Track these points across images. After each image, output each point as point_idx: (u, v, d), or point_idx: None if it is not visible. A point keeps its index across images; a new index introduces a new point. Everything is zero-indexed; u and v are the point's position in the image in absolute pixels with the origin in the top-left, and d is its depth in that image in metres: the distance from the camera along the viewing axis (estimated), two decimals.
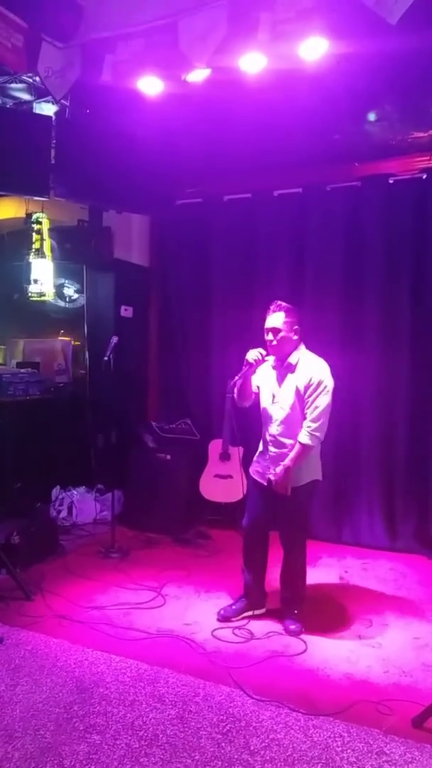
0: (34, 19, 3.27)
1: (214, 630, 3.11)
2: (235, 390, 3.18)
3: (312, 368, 2.99)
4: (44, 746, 2.21)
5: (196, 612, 3.35)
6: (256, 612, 3.26)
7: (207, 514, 4.75)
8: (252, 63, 3.03)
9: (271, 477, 3.05)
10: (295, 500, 3.03)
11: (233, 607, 3.27)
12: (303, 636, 3.06)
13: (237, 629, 3.13)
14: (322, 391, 2.95)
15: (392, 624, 3.25)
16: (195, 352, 5.16)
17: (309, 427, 2.94)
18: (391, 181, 4.27)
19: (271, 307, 3.05)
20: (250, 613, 3.25)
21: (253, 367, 3.03)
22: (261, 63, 3.03)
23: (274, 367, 3.11)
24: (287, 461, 2.96)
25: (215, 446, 4.68)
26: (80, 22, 3.34)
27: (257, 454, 3.27)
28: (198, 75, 3.20)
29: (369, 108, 3.71)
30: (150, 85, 3.33)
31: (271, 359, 3.09)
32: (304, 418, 2.98)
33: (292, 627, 3.10)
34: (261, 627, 3.16)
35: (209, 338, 5.07)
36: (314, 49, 2.87)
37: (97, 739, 2.25)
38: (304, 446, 2.94)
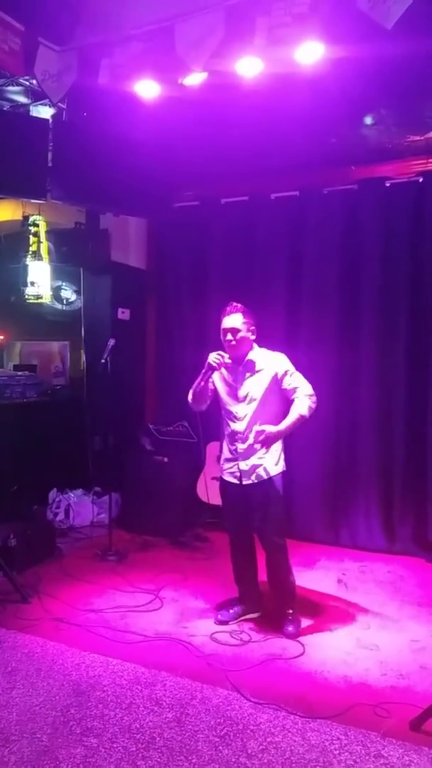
0: (32, 23, 3.28)
1: (213, 633, 3.11)
2: (191, 394, 3.19)
3: (276, 360, 3.10)
4: (41, 750, 2.20)
5: (193, 615, 3.35)
6: (253, 615, 3.27)
7: (204, 517, 4.75)
8: (248, 67, 3.04)
9: (257, 432, 2.95)
10: (268, 494, 3.08)
11: (230, 611, 3.28)
12: (301, 638, 3.06)
13: (235, 632, 3.12)
14: (295, 372, 3.08)
15: (390, 627, 3.26)
16: (192, 353, 5.15)
17: (309, 398, 3.01)
18: (387, 185, 4.29)
19: (228, 309, 3.13)
20: (247, 616, 3.27)
21: (214, 370, 3.07)
22: (257, 67, 3.04)
23: (228, 368, 3.13)
24: (282, 426, 2.94)
25: (212, 448, 4.67)
26: (77, 26, 3.35)
27: (223, 460, 3.25)
28: (195, 79, 3.20)
29: (365, 112, 3.73)
30: (147, 89, 3.34)
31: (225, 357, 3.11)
32: (283, 406, 3.06)
33: (290, 629, 3.11)
34: (258, 629, 3.16)
35: (206, 340, 5.05)
36: (310, 53, 2.88)
37: (94, 743, 2.24)
38: (302, 416, 2.97)
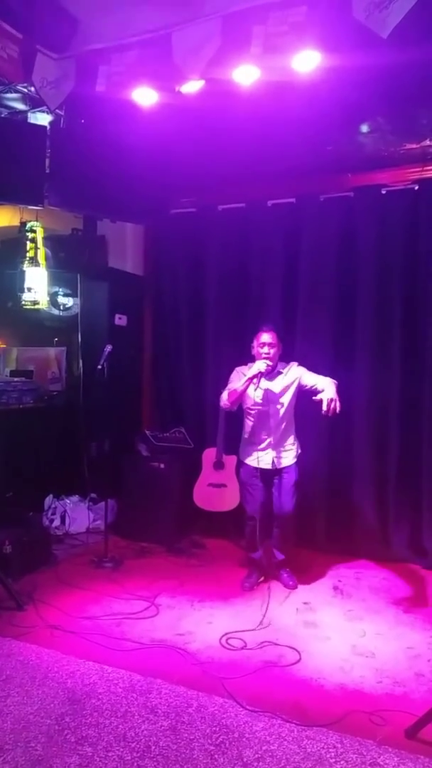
0: (30, 31, 3.30)
1: (209, 640, 3.10)
2: (230, 396, 3.70)
3: (295, 368, 3.80)
4: (35, 759, 2.19)
5: (189, 622, 3.34)
6: (263, 578, 3.91)
7: (201, 524, 4.74)
8: (245, 75, 3.05)
9: (326, 398, 3.43)
10: (292, 474, 3.77)
11: (252, 578, 3.87)
12: (296, 646, 3.06)
13: (230, 639, 3.12)
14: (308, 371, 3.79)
15: (385, 634, 3.25)
16: (189, 360, 5.16)
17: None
18: (383, 192, 4.30)
19: (265, 328, 3.78)
20: (261, 579, 3.91)
21: (263, 375, 3.62)
22: (254, 75, 3.05)
23: (264, 375, 3.66)
24: (333, 388, 3.49)
25: (209, 455, 4.66)
26: (75, 34, 3.37)
27: (254, 449, 3.78)
28: (192, 86, 3.22)
29: (361, 120, 3.75)
30: (144, 96, 3.35)
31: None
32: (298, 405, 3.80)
33: (291, 583, 3.83)
34: (255, 637, 3.15)
35: (203, 347, 5.08)
36: (307, 61, 2.90)
37: (89, 751, 2.23)
38: (332, 380, 3.58)
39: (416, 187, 4.21)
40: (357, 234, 4.42)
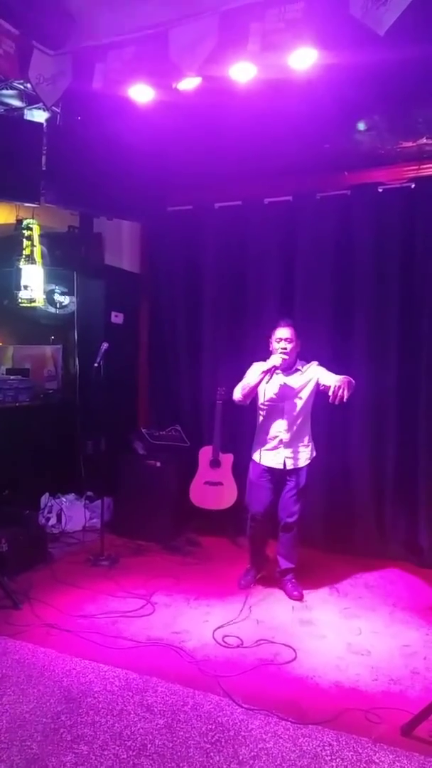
0: (26, 27, 3.28)
1: (205, 638, 3.10)
2: (243, 390, 3.62)
3: (315, 367, 3.70)
4: (31, 757, 2.18)
5: (185, 620, 3.34)
6: (261, 574, 3.92)
7: (197, 522, 4.74)
8: (242, 72, 3.04)
9: (336, 384, 3.32)
10: (302, 477, 3.67)
11: (248, 576, 3.85)
12: (292, 643, 3.06)
13: (226, 637, 3.12)
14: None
15: (381, 632, 3.25)
16: (185, 358, 5.16)
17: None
18: (380, 190, 4.30)
19: (282, 323, 3.71)
20: (258, 576, 3.91)
21: (277, 369, 3.56)
22: (251, 72, 3.04)
23: (280, 370, 3.62)
24: (345, 380, 3.34)
25: (205, 453, 4.67)
26: (71, 30, 3.35)
27: (265, 446, 3.68)
28: (189, 83, 3.20)
29: (358, 118, 3.74)
30: (141, 93, 3.34)
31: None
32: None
33: (296, 593, 3.66)
34: (250, 635, 3.15)
35: (200, 344, 5.07)
36: (303, 59, 2.89)
37: (84, 750, 2.23)
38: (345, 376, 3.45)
39: (413, 185, 4.21)
40: (353, 232, 4.42)
